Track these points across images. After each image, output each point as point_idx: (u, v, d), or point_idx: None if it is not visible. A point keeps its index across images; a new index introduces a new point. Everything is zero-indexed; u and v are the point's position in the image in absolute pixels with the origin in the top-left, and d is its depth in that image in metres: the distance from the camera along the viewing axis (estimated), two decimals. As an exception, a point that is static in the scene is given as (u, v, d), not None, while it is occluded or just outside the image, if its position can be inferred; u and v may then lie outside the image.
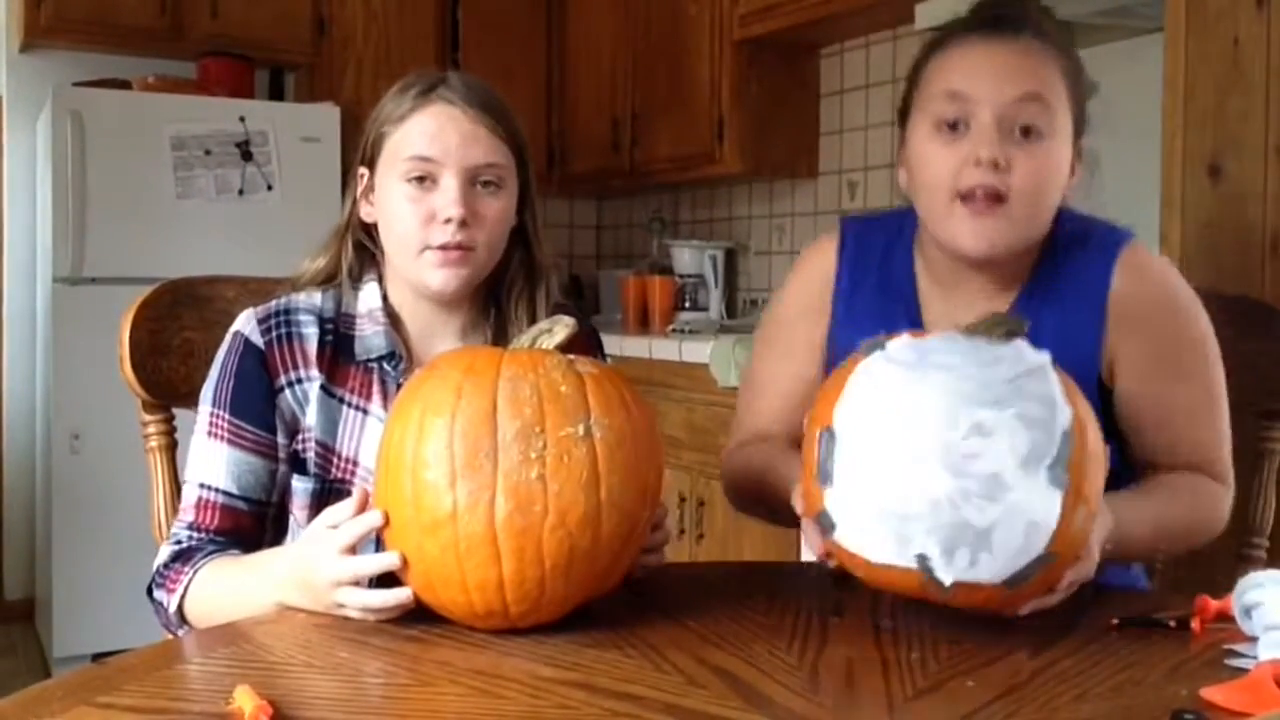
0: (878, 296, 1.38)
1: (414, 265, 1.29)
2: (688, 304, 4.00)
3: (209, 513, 1.27)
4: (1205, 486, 1.30)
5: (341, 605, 1.07)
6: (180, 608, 1.22)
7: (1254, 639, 0.97)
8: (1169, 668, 0.96)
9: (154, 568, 1.26)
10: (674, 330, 3.69)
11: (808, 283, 1.43)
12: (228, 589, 1.19)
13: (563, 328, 1.11)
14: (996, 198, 1.19)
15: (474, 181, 1.29)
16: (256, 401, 1.28)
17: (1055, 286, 1.30)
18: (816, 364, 1.41)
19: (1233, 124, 1.86)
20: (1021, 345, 1.03)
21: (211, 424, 1.28)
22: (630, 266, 4.54)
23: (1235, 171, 1.86)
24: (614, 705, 0.86)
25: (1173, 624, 1.06)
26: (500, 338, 1.36)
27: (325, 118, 3.77)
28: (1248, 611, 0.99)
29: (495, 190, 1.30)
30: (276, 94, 4.23)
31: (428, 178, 1.28)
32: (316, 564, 1.08)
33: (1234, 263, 1.86)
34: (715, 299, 4.01)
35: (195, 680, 0.94)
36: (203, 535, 1.26)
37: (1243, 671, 0.91)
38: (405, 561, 1.03)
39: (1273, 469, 1.57)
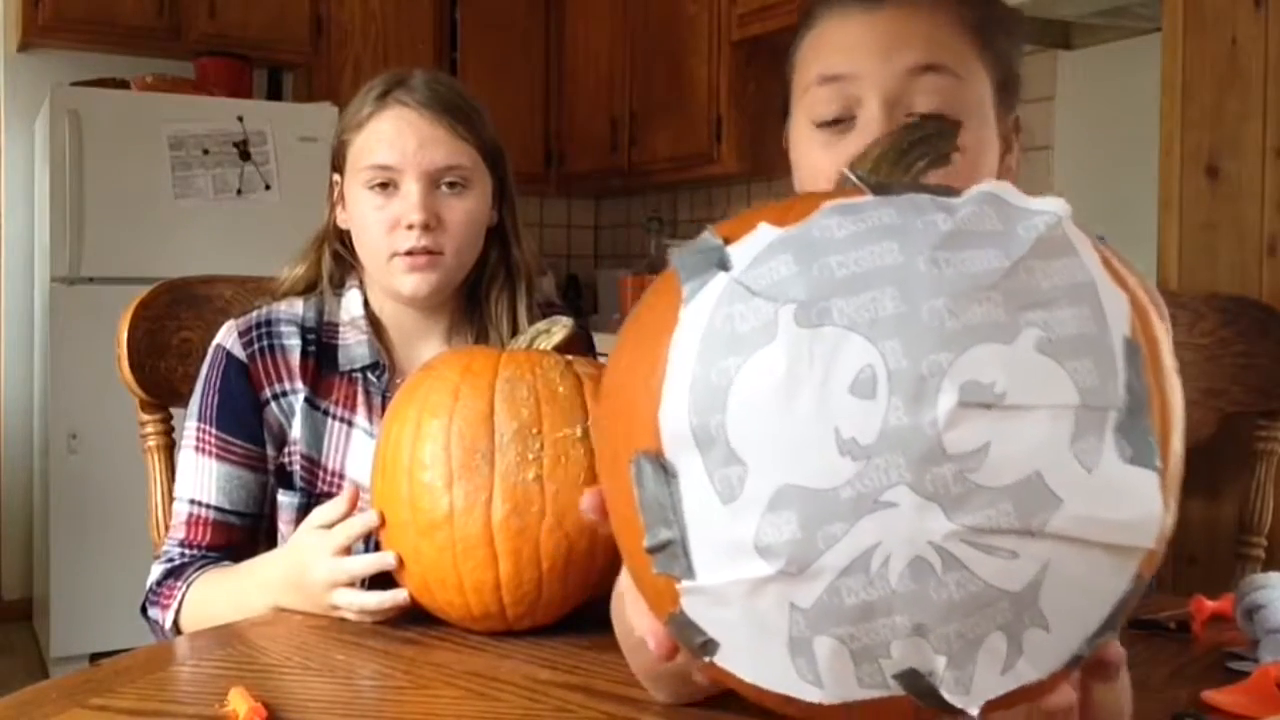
0: None
1: (385, 272, 1.28)
2: (686, 304, 3.99)
3: (200, 529, 1.26)
4: None
5: (337, 607, 1.06)
6: (176, 623, 1.21)
7: (1255, 642, 0.97)
8: (1170, 670, 0.96)
9: (146, 586, 1.25)
10: (672, 330, 3.69)
11: None
12: (222, 598, 1.18)
13: (560, 329, 1.11)
14: None
15: (437, 184, 1.27)
16: (243, 415, 1.27)
17: None
18: None
19: (1231, 124, 1.86)
20: (997, 193, 0.55)
21: (199, 439, 1.27)
22: (628, 266, 4.54)
23: (1233, 172, 1.86)
24: (612, 708, 0.85)
25: (1173, 626, 1.05)
26: (484, 338, 1.35)
27: (323, 117, 3.77)
28: (1249, 614, 0.99)
29: (461, 191, 1.28)
30: (275, 94, 4.23)
31: (389, 184, 1.26)
32: (310, 565, 1.07)
33: (1232, 263, 1.86)
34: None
35: (190, 682, 0.94)
36: (195, 551, 1.25)
37: (1244, 675, 0.90)
38: (401, 562, 1.02)
39: (1271, 469, 1.56)
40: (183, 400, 1.47)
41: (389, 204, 1.26)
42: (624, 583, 0.67)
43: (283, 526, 1.30)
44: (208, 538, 1.26)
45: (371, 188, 1.27)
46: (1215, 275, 1.87)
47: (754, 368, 0.53)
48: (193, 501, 1.26)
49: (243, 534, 1.28)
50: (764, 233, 0.56)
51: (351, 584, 1.06)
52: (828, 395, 0.52)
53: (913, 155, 0.62)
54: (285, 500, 1.29)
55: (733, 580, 0.53)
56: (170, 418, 1.50)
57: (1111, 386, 0.52)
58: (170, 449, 1.49)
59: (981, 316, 0.52)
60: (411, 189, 1.25)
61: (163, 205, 3.58)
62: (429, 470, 0.99)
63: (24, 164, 4.04)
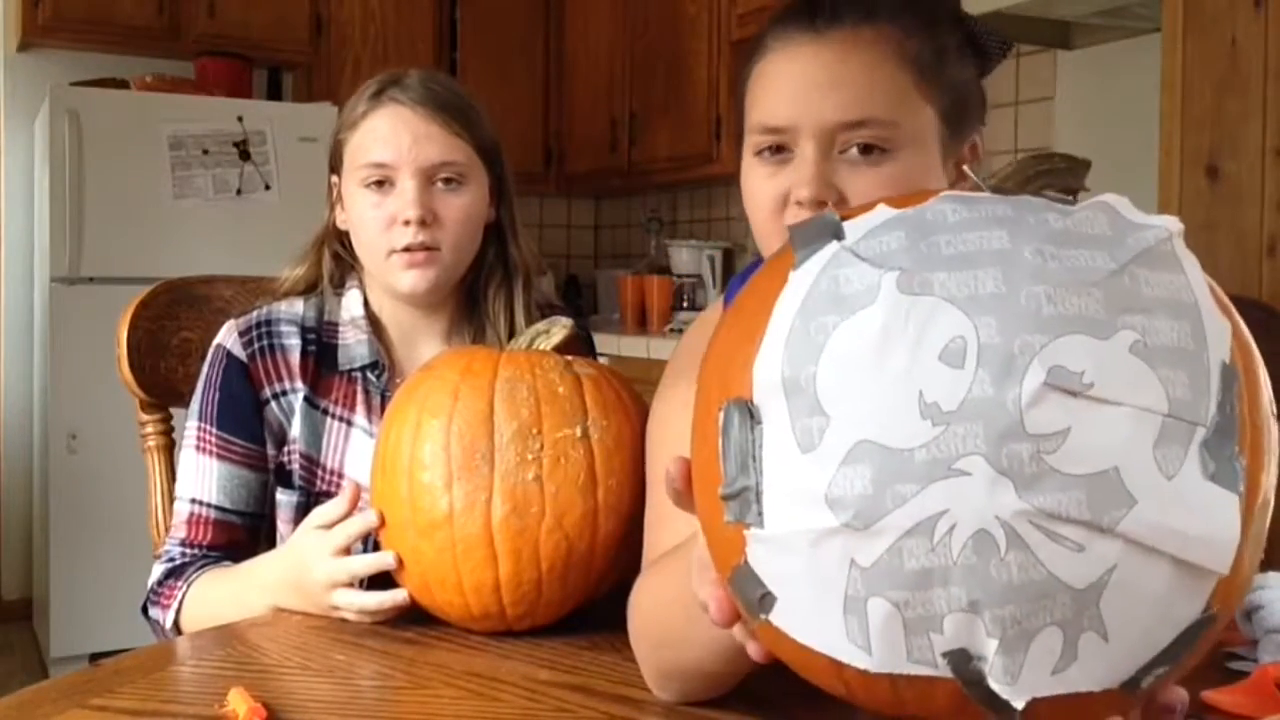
0: None
1: (383, 270, 1.28)
2: (686, 304, 4.00)
3: (201, 528, 1.26)
4: None
5: (336, 607, 1.06)
6: (176, 623, 1.21)
7: (1254, 642, 0.97)
8: (1168, 670, 0.96)
9: (147, 586, 1.25)
10: (672, 330, 3.69)
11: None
12: (222, 598, 1.18)
13: (560, 329, 1.11)
14: None
15: (432, 180, 1.27)
16: (243, 414, 1.27)
17: None
18: None
19: (1230, 125, 1.86)
20: (1112, 203, 0.56)
21: (200, 439, 1.27)
22: (628, 266, 4.54)
23: (1233, 172, 1.86)
24: (611, 708, 0.85)
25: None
26: (481, 341, 1.35)
27: (323, 117, 3.76)
28: (1248, 614, 0.99)
29: (457, 187, 1.28)
30: (274, 94, 4.22)
31: (385, 181, 1.27)
32: (309, 566, 1.07)
33: (1231, 263, 1.86)
34: (713, 298, 4.00)
35: (189, 682, 0.94)
36: (196, 551, 1.25)
37: (1244, 674, 0.90)
38: (400, 562, 1.03)
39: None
40: (183, 400, 1.47)
41: (385, 201, 1.26)
42: (693, 554, 0.67)
43: (281, 525, 1.30)
44: (208, 537, 1.26)
45: (368, 186, 1.27)
46: (1215, 275, 1.85)
47: (851, 326, 0.54)
48: (193, 501, 1.26)
49: (243, 533, 1.28)
50: (880, 211, 0.58)
51: (351, 584, 1.06)
52: (917, 359, 0.52)
53: (1036, 184, 0.63)
54: (284, 499, 1.29)
55: (799, 530, 0.54)
56: (170, 418, 1.50)
57: (1203, 404, 0.52)
58: (170, 449, 1.49)
59: (1079, 309, 0.52)
60: (407, 186, 1.26)
61: (162, 205, 3.58)
62: (429, 470, 0.99)
63: (24, 164, 4.04)
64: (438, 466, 0.99)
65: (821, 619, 0.55)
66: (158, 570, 1.25)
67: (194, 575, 1.22)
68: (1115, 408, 0.51)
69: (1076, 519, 0.50)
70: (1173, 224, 0.56)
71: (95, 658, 3.25)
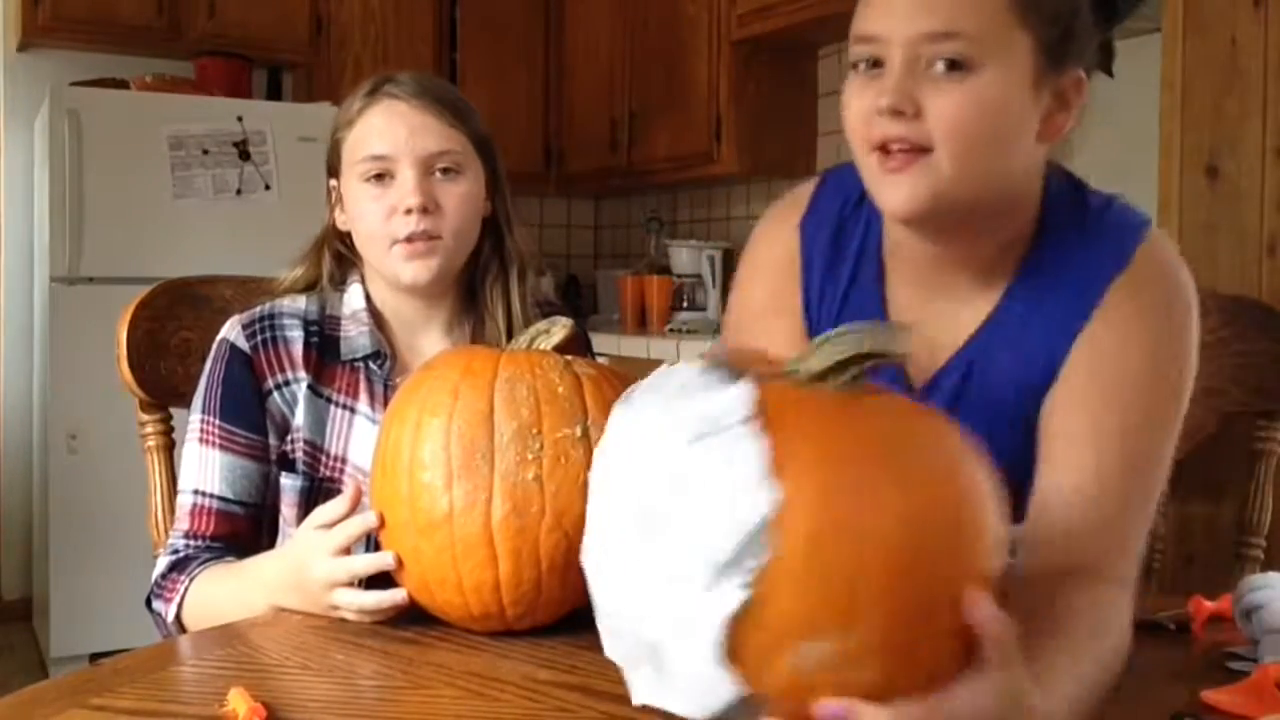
0: (848, 302, 1.17)
1: (386, 262, 1.30)
2: (685, 304, 4.00)
3: (204, 519, 1.26)
4: (1125, 617, 0.94)
5: (336, 607, 1.06)
6: (178, 617, 1.21)
7: (1254, 642, 0.97)
8: (1169, 670, 0.96)
9: (152, 579, 1.26)
10: (672, 330, 3.69)
11: (773, 281, 1.23)
12: (224, 595, 1.18)
13: (560, 329, 1.11)
14: (912, 149, 0.96)
15: (431, 170, 1.29)
16: (246, 405, 1.29)
17: (1046, 286, 1.05)
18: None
19: (1230, 124, 1.86)
20: (738, 388, 0.72)
21: (202, 431, 1.28)
22: (628, 266, 4.54)
23: (1233, 172, 1.86)
24: (611, 708, 0.85)
25: (1172, 626, 1.05)
26: (481, 332, 1.37)
27: (323, 117, 3.74)
28: (1248, 614, 0.99)
29: (455, 176, 1.31)
30: (274, 94, 4.22)
31: (385, 174, 1.29)
32: (309, 565, 1.07)
33: (1231, 263, 1.86)
34: (713, 299, 4.01)
35: (189, 682, 0.94)
36: (199, 542, 1.26)
37: (1243, 674, 0.90)
38: (400, 562, 1.03)
39: (1270, 469, 1.56)
40: (183, 400, 1.47)
41: (385, 193, 1.28)
42: None
43: (285, 509, 1.31)
44: (211, 527, 1.26)
45: (368, 179, 1.29)
46: (1215, 275, 1.87)
47: None
48: (196, 492, 1.27)
49: (246, 524, 1.29)
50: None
51: (351, 584, 1.06)
52: None
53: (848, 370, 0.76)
54: (288, 483, 1.30)
55: None
56: (170, 418, 1.50)
57: (728, 544, 0.68)
58: (170, 449, 1.50)
59: (672, 466, 0.72)
60: (407, 175, 1.28)
61: (162, 205, 3.58)
62: (429, 470, 0.99)
63: (24, 164, 4.04)
64: (438, 466, 0.99)
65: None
66: (162, 563, 1.26)
67: (197, 570, 1.22)
68: (679, 527, 0.71)
69: (651, 602, 0.73)
70: (745, 405, 0.71)
71: (95, 658, 3.24)
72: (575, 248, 5.01)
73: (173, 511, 1.46)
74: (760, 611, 0.67)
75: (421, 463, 0.99)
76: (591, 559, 0.80)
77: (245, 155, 3.69)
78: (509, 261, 1.39)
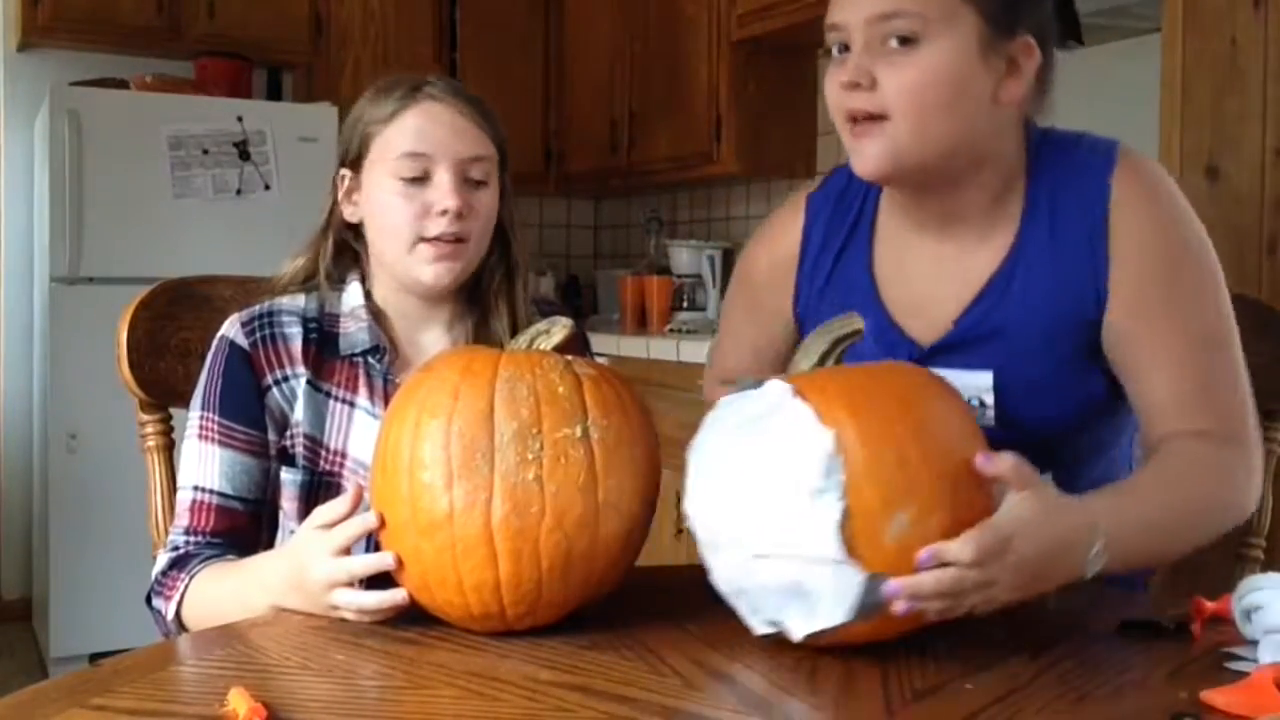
0: (832, 284, 1.32)
1: (407, 260, 1.31)
2: (685, 304, 4.00)
3: (204, 515, 1.27)
4: (1213, 458, 1.10)
5: (336, 607, 1.06)
6: (178, 615, 1.22)
7: (1254, 642, 0.97)
8: (1169, 670, 0.96)
9: (152, 576, 1.26)
10: (672, 330, 3.69)
11: (769, 271, 1.39)
12: (224, 595, 1.18)
13: (560, 329, 1.11)
14: (872, 117, 1.12)
15: (465, 175, 1.32)
16: (245, 401, 1.29)
17: (1055, 211, 1.17)
18: (785, 330, 1.39)
19: (1230, 125, 1.86)
20: (772, 383, 0.98)
21: (201, 428, 1.29)
22: (628, 266, 4.54)
23: (1232, 172, 1.86)
24: (611, 708, 0.85)
25: (1172, 627, 1.05)
26: (482, 330, 1.38)
27: (323, 117, 3.77)
28: (1248, 615, 0.99)
29: (482, 184, 1.34)
30: (274, 94, 4.22)
31: (422, 173, 1.30)
32: (309, 566, 1.07)
33: (1231, 263, 1.85)
34: (713, 299, 4.01)
35: (189, 682, 0.94)
36: (199, 539, 1.26)
37: (1243, 674, 0.90)
38: (400, 562, 1.03)
39: (1270, 469, 1.56)
40: (182, 400, 1.47)
41: (420, 192, 1.30)
42: None
43: (285, 504, 1.31)
44: (211, 523, 1.27)
45: (402, 176, 1.30)
46: (1214, 275, 1.87)
47: None
48: (196, 488, 1.28)
49: (246, 519, 1.29)
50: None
51: (351, 584, 1.06)
52: None
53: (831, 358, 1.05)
54: (288, 478, 1.30)
55: None
56: (170, 418, 1.50)
57: (811, 476, 0.91)
58: (170, 449, 1.49)
59: (742, 447, 0.97)
60: (444, 178, 1.30)
61: (162, 205, 3.58)
62: (429, 470, 0.99)
63: (23, 164, 4.04)
64: (438, 466, 0.99)
65: (746, 616, 1.00)
66: (162, 560, 1.26)
67: (197, 568, 1.22)
68: (766, 485, 0.93)
69: (774, 553, 0.93)
70: (781, 388, 0.96)
71: (95, 658, 3.24)
72: (575, 248, 5.01)
73: (173, 511, 1.46)
74: (854, 510, 0.90)
75: (421, 463, 0.99)
76: (720, 558, 0.98)
77: (245, 155, 3.69)
78: (514, 269, 1.41)
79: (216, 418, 1.28)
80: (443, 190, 1.29)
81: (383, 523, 1.04)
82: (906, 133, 1.10)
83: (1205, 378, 1.13)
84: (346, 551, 1.07)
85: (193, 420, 1.31)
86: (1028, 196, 1.18)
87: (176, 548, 1.26)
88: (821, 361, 1.04)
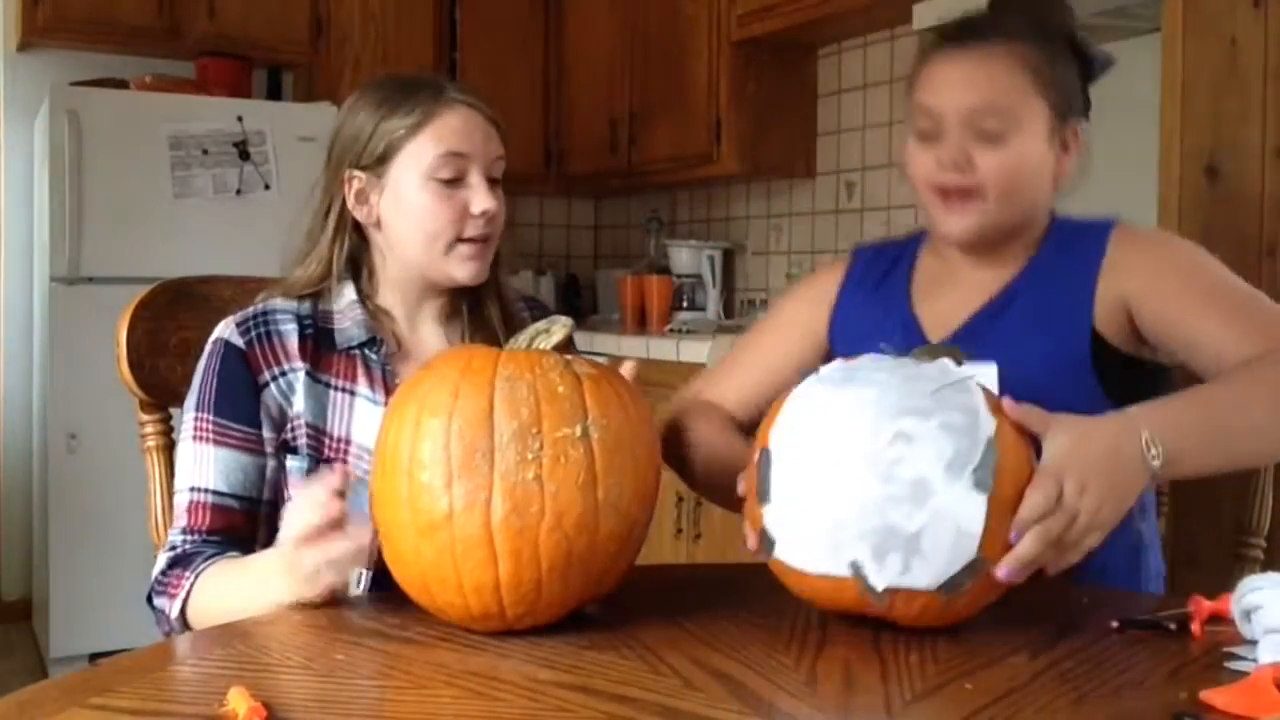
0: (873, 295, 1.47)
1: (441, 260, 1.35)
2: (685, 304, 4.00)
3: (201, 514, 1.27)
4: (1272, 356, 1.16)
5: (318, 573, 1.07)
6: (183, 613, 1.22)
7: (1254, 642, 0.97)
8: (1169, 670, 0.96)
9: (152, 576, 1.27)
10: (672, 330, 3.69)
11: (809, 289, 1.54)
12: (226, 590, 1.19)
13: (560, 328, 1.11)
14: (967, 192, 1.31)
15: (491, 175, 1.37)
16: (240, 400, 1.30)
17: (1048, 273, 1.35)
18: (810, 347, 1.46)
19: (1230, 125, 1.86)
20: (946, 363, 1.06)
21: (196, 429, 1.30)
22: (628, 266, 4.54)
23: (1232, 173, 1.86)
24: (611, 708, 0.86)
25: (1173, 626, 1.05)
26: (476, 323, 1.42)
27: (323, 117, 3.76)
28: (1247, 615, 0.99)
29: (499, 182, 1.39)
30: (274, 94, 4.22)
31: (458, 174, 1.34)
32: (282, 540, 1.09)
33: (1231, 264, 1.86)
34: (713, 299, 4.01)
35: (189, 682, 0.94)
36: (197, 538, 1.27)
37: (1243, 674, 0.90)
38: (377, 531, 1.04)
39: (1269, 469, 1.56)
40: (182, 400, 1.47)
41: (455, 194, 1.34)
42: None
43: (291, 492, 1.32)
44: (208, 522, 1.27)
45: (439, 177, 1.34)
46: (1214, 275, 1.86)
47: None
48: (193, 489, 1.28)
49: (243, 518, 1.30)
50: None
51: (312, 539, 1.06)
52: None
53: (933, 354, 1.10)
54: (293, 465, 1.32)
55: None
56: (169, 418, 1.50)
57: (972, 455, 0.98)
58: (170, 449, 1.49)
59: (915, 406, 1.00)
60: (478, 179, 1.35)
61: (162, 205, 3.58)
62: (428, 470, 0.99)
63: (24, 164, 4.04)
64: (437, 466, 0.99)
65: (808, 551, 1.02)
66: (162, 560, 1.27)
67: (201, 566, 1.23)
68: (930, 446, 0.98)
69: (908, 501, 0.97)
70: (968, 372, 1.05)
71: (95, 658, 3.25)
72: (575, 248, 5.01)
73: (171, 512, 1.46)
74: (993, 497, 0.98)
75: (421, 463, 0.99)
76: (843, 477, 1.00)
77: (245, 155, 3.69)
78: (500, 263, 1.45)
79: (211, 417, 1.29)
80: (480, 192, 1.34)
81: (375, 532, 1.04)
82: (996, 208, 1.30)
83: (1258, 315, 1.24)
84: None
85: (186, 422, 1.31)
86: (1045, 235, 1.38)
87: (174, 547, 1.27)
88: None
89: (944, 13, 2.60)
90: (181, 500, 1.29)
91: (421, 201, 1.34)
